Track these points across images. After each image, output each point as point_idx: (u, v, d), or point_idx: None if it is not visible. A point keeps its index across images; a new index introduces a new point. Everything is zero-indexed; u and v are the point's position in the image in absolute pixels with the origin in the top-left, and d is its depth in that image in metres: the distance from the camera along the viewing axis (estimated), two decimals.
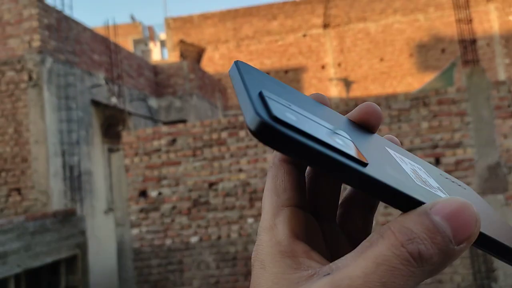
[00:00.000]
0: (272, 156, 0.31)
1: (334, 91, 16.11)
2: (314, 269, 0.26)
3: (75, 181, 7.22)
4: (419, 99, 5.70)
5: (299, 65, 16.47)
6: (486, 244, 0.27)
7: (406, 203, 0.25)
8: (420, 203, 0.25)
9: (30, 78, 6.86)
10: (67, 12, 7.72)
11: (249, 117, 0.24)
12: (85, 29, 8.25)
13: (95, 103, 8.19)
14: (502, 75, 14.87)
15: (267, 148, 5.94)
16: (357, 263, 0.24)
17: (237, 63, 0.30)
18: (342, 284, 0.23)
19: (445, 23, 15.61)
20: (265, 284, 0.27)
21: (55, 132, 6.99)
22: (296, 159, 0.28)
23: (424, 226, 0.24)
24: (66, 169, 7.09)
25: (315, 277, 0.25)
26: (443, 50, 15.65)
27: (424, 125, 5.63)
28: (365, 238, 0.26)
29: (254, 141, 5.97)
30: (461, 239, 0.24)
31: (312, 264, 0.26)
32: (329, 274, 0.25)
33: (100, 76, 8.37)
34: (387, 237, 0.24)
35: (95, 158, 7.95)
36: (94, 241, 7.09)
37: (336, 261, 0.25)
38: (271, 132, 0.23)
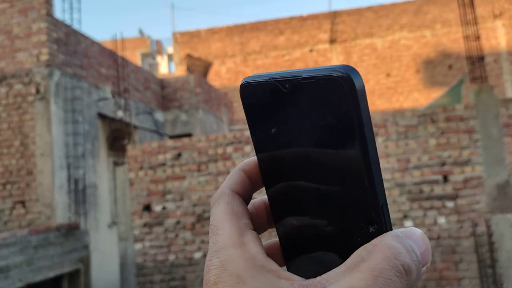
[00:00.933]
0: (222, 186, 0.33)
1: None
2: (296, 283, 0.27)
3: (79, 194, 7.20)
4: (426, 116, 5.65)
5: None
6: None
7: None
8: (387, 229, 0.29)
9: (38, 91, 6.89)
10: (75, 26, 7.79)
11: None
12: (93, 43, 8.32)
13: (102, 117, 8.21)
14: (509, 92, 14.79)
15: None
16: (353, 276, 0.26)
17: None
18: None
19: (452, 40, 15.61)
20: None
21: (61, 145, 6.99)
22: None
23: (403, 246, 0.27)
24: (71, 182, 7.08)
25: None
26: (450, 66, 15.62)
27: (432, 142, 5.57)
28: None
29: None
30: (425, 262, 0.28)
31: (294, 278, 0.27)
32: (324, 287, 0.26)
33: (107, 90, 8.41)
34: (379, 252, 0.26)
35: (100, 172, 7.94)
36: (97, 255, 7.04)
37: (323, 276, 0.27)
38: None
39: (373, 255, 0.26)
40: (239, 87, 0.32)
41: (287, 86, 0.30)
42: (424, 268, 0.28)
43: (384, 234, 0.28)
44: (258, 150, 0.32)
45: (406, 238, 0.28)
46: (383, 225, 0.28)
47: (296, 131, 0.30)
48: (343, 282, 0.26)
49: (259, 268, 0.28)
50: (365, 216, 0.28)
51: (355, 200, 0.28)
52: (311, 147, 0.30)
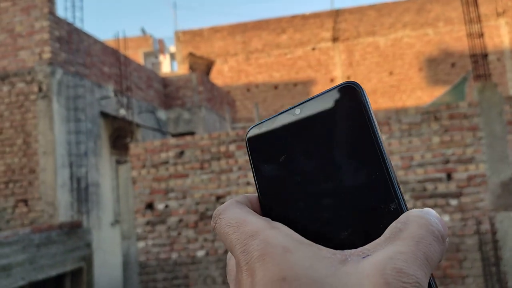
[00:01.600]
0: (228, 202, 0.33)
1: None
2: (339, 252, 0.28)
3: (82, 192, 7.20)
4: (430, 113, 5.62)
5: (308, 78, 16.46)
6: None
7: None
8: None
9: (40, 89, 6.89)
10: (78, 24, 7.79)
11: None
12: (95, 41, 8.31)
13: (104, 115, 8.20)
14: None
15: None
16: (396, 243, 0.27)
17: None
18: (395, 260, 0.26)
19: (455, 38, 15.56)
20: (303, 263, 0.27)
21: (64, 143, 6.99)
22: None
23: (428, 217, 0.29)
24: (74, 180, 7.08)
25: (350, 260, 0.27)
26: (453, 65, 15.57)
27: (435, 139, 5.54)
28: None
29: None
30: (445, 237, 0.29)
31: (333, 251, 0.28)
32: (368, 256, 0.27)
33: (109, 88, 8.40)
34: (414, 222, 0.28)
35: (102, 170, 7.94)
36: (100, 253, 7.04)
37: (364, 247, 0.28)
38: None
39: (409, 225, 0.28)
40: (245, 138, 0.35)
41: (298, 111, 0.33)
42: (446, 242, 0.30)
43: (408, 211, 0.30)
44: (265, 184, 0.34)
45: (427, 213, 0.30)
46: (401, 201, 0.31)
47: (311, 148, 0.33)
48: (387, 249, 0.27)
49: (300, 242, 0.29)
50: (386, 197, 0.31)
51: (374, 188, 0.31)
52: (329, 158, 0.32)
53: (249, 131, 0.35)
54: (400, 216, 0.30)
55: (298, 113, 0.33)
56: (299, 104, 0.34)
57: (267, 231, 0.29)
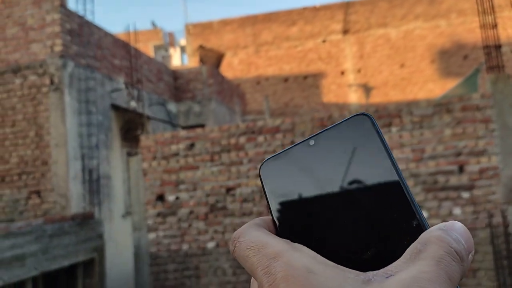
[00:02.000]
0: (246, 225, 0.34)
1: (354, 97, 15.95)
2: (362, 274, 0.29)
3: (93, 184, 7.27)
4: (442, 106, 5.56)
5: (318, 70, 16.37)
6: None
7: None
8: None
9: (52, 82, 6.95)
10: (89, 17, 7.82)
11: None
12: (106, 34, 8.34)
13: (115, 107, 8.25)
14: None
15: None
16: (418, 263, 0.28)
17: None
18: (419, 279, 0.27)
19: (468, 30, 15.34)
20: (328, 284, 0.27)
21: (75, 135, 7.05)
22: None
23: (450, 236, 0.30)
24: (85, 172, 7.15)
25: (374, 280, 0.28)
26: (465, 57, 15.37)
27: (447, 132, 5.49)
28: None
29: (272, 146, 5.90)
30: (470, 250, 0.30)
31: (358, 272, 0.29)
32: (391, 275, 0.28)
33: (120, 81, 8.44)
34: (434, 243, 0.29)
35: (113, 162, 8.00)
36: (111, 245, 7.11)
37: (385, 268, 0.29)
38: None
39: (429, 246, 0.29)
40: (259, 168, 0.37)
41: (312, 142, 0.36)
42: (470, 256, 0.30)
43: (429, 229, 0.31)
44: (282, 212, 0.35)
45: (450, 230, 0.30)
46: (422, 218, 0.32)
47: (328, 176, 0.34)
48: (410, 270, 0.28)
49: (323, 263, 0.29)
50: (407, 215, 0.32)
51: (395, 208, 0.33)
52: (347, 183, 0.34)
53: (263, 163, 0.36)
54: (420, 236, 0.30)
55: (312, 144, 0.35)
56: (313, 136, 0.36)
57: (289, 252, 0.30)
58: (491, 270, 5.26)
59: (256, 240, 0.31)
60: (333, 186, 0.34)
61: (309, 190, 0.34)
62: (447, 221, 0.31)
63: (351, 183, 0.34)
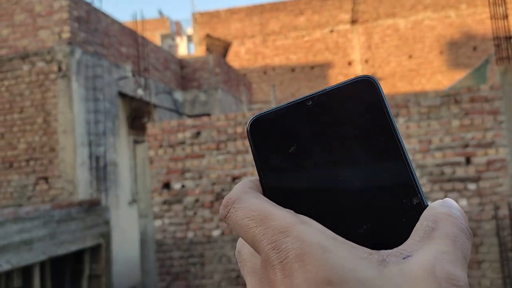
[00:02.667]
0: (236, 189, 0.31)
1: None
2: (375, 252, 0.27)
3: (100, 171, 7.32)
4: (450, 96, 5.53)
5: (325, 61, 16.29)
6: None
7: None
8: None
9: (60, 69, 6.97)
10: (96, 4, 7.81)
11: None
12: (113, 22, 8.34)
13: (122, 95, 8.27)
14: None
15: None
16: (434, 242, 0.27)
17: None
18: (441, 261, 0.26)
19: (477, 21, 15.17)
20: (347, 265, 0.26)
21: (83, 122, 7.09)
22: None
23: (457, 212, 0.29)
24: (93, 159, 7.19)
25: (389, 261, 0.26)
26: (474, 48, 15.22)
27: (455, 123, 5.46)
28: None
29: None
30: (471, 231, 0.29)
31: (368, 249, 0.27)
32: (408, 256, 0.27)
33: (127, 69, 8.45)
34: (445, 220, 0.28)
35: (120, 149, 8.04)
36: (117, 231, 7.18)
37: (399, 247, 0.28)
38: None
39: (441, 224, 0.28)
40: (247, 125, 0.33)
41: (310, 103, 0.32)
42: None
43: (431, 205, 0.30)
44: (273, 177, 0.32)
45: (451, 207, 0.30)
46: (423, 195, 0.30)
47: (325, 140, 0.32)
48: (428, 250, 0.27)
49: (334, 239, 0.27)
50: (408, 191, 0.30)
51: (395, 182, 0.30)
52: (346, 150, 0.31)
53: (252, 119, 0.33)
54: (426, 213, 0.29)
55: (310, 104, 0.32)
56: (311, 95, 0.32)
57: (299, 226, 0.27)
58: (496, 262, 5.25)
59: (258, 209, 0.28)
60: (329, 152, 0.31)
61: (303, 154, 0.31)
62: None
63: (349, 151, 0.31)
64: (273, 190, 0.31)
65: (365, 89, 0.32)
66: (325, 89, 0.32)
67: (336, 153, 0.31)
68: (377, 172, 0.31)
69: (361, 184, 0.31)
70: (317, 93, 0.33)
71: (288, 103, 0.33)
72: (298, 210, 0.30)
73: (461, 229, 0.28)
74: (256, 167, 0.32)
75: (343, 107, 0.32)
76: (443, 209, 0.29)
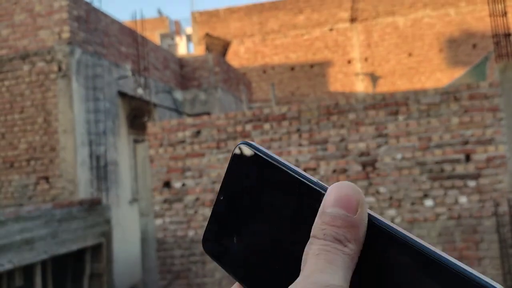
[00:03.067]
0: None
1: (360, 86, 15.88)
2: None
3: (101, 170, 7.33)
4: (449, 94, 5.54)
5: (325, 59, 16.29)
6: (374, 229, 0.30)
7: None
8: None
9: (60, 68, 6.98)
10: (96, 4, 7.81)
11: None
12: (113, 21, 8.35)
13: (122, 95, 8.28)
14: None
15: (292, 141, 5.88)
16: (303, 268, 0.30)
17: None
18: (296, 283, 0.29)
19: (477, 18, 15.16)
20: None
21: (83, 122, 7.10)
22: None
23: (325, 224, 0.30)
24: (93, 158, 7.20)
25: None
26: (474, 46, 15.22)
27: (455, 120, 5.47)
28: None
29: (279, 134, 5.92)
30: (354, 208, 0.30)
31: None
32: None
33: (127, 68, 8.46)
34: (311, 243, 0.30)
35: (120, 149, 8.05)
36: (118, 230, 7.19)
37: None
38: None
39: (309, 247, 0.31)
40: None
41: (221, 196, 0.37)
42: (359, 211, 0.30)
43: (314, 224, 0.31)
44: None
45: (325, 208, 0.30)
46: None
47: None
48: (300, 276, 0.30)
49: None
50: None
51: (304, 217, 0.33)
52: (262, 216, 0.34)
53: (204, 240, 0.36)
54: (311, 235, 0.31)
55: (222, 198, 0.37)
56: (220, 190, 0.37)
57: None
58: (496, 258, 5.27)
59: None
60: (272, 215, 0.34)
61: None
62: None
63: (266, 213, 0.34)
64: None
65: (246, 155, 0.35)
66: (223, 177, 0.37)
67: (259, 221, 0.34)
68: (290, 216, 0.33)
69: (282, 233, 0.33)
70: (221, 184, 0.37)
71: (213, 206, 0.37)
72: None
73: (323, 248, 0.30)
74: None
75: (241, 182, 0.35)
76: (314, 228, 0.31)
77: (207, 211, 6.04)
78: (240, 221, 0.35)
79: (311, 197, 0.32)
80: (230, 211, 0.35)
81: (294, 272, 0.31)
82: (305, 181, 0.33)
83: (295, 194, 0.33)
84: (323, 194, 0.31)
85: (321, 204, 0.30)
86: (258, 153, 0.35)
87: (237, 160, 0.36)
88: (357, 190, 0.30)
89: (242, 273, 0.34)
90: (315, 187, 0.32)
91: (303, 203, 0.32)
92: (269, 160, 0.34)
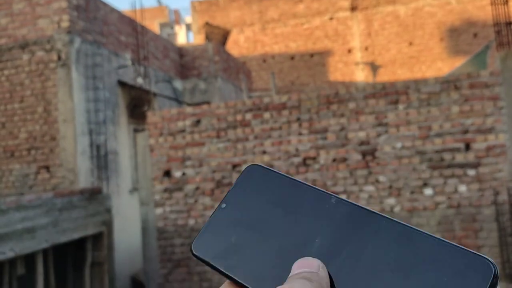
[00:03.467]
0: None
1: (361, 75, 15.83)
2: None
3: (101, 160, 7.34)
4: (450, 82, 5.52)
5: (325, 48, 16.22)
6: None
7: None
8: None
9: (59, 58, 6.95)
10: None
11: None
12: (112, 10, 8.29)
13: (122, 84, 8.26)
14: None
15: (292, 130, 5.88)
16: None
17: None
18: None
19: (478, 7, 15.07)
20: None
21: (83, 111, 7.09)
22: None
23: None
24: (93, 148, 7.21)
25: None
26: (475, 35, 15.14)
27: (455, 109, 5.47)
28: None
29: (279, 123, 5.91)
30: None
31: None
32: None
33: (127, 57, 8.43)
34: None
35: (120, 138, 8.05)
36: (119, 219, 7.22)
37: None
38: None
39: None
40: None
41: (223, 205, 0.41)
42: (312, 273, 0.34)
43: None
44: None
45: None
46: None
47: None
48: None
49: None
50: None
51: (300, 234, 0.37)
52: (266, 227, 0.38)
53: (192, 244, 0.39)
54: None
55: (224, 207, 0.40)
56: (223, 199, 0.41)
57: None
58: (495, 247, 5.30)
59: None
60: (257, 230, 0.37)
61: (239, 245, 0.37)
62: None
63: (269, 223, 0.37)
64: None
65: (256, 174, 0.39)
66: (230, 189, 0.40)
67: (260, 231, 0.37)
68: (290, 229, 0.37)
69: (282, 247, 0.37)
70: (226, 194, 0.40)
71: (212, 214, 0.40)
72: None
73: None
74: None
75: (248, 197, 0.39)
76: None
77: (207, 200, 6.06)
78: (241, 229, 0.37)
79: (319, 200, 0.36)
80: (231, 219, 0.38)
81: (284, 276, 0.34)
82: (315, 188, 0.36)
83: (305, 199, 0.36)
84: (331, 197, 0.35)
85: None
86: (269, 169, 0.39)
87: (248, 175, 0.40)
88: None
89: (236, 276, 0.36)
90: (324, 192, 0.36)
91: (312, 207, 0.36)
92: (279, 173, 0.38)
